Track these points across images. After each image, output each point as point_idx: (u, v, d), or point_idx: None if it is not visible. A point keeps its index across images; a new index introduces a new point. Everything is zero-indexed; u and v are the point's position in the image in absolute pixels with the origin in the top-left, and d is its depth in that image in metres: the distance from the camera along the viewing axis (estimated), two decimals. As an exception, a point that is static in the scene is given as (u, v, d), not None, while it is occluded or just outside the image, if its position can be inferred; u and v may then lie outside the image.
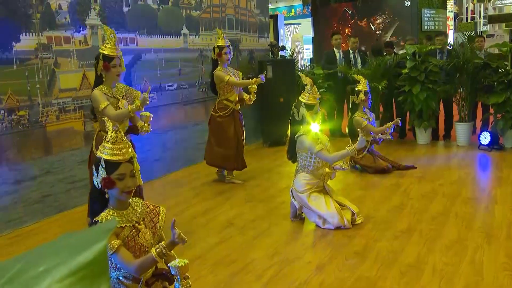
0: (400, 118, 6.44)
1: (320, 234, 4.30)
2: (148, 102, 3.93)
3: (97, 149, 4.13)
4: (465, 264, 3.55)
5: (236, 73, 5.99)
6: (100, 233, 0.50)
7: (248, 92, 5.83)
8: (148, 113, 4.05)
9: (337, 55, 9.03)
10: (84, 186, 5.32)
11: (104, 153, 2.46)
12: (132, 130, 4.14)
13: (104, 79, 4.04)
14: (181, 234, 2.41)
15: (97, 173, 2.47)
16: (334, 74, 8.83)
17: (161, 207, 2.72)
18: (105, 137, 2.53)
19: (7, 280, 0.48)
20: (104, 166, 2.44)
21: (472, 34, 9.51)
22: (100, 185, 2.47)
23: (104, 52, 3.97)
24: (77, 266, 0.46)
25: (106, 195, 2.51)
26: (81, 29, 5.52)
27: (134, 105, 3.88)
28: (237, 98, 5.94)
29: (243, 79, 6.11)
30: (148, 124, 4.04)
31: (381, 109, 8.69)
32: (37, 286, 0.45)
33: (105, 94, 4.00)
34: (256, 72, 8.58)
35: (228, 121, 5.94)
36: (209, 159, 6.15)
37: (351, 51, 9.00)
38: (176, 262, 2.29)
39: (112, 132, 2.48)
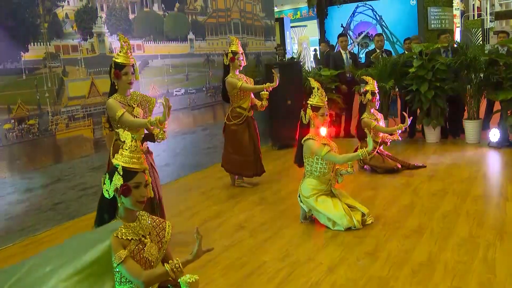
0: (410, 118, 6.39)
1: (330, 235, 4.29)
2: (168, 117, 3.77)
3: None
4: (477, 261, 3.53)
5: (248, 80, 5.92)
6: (104, 234, 0.51)
7: (260, 99, 5.78)
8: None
9: (344, 56, 9.00)
10: (94, 193, 5.36)
11: (122, 161, 2.48)
12: (149, 137, 4.10)
13: (116, 87, 4.00)
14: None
15: (110, 181, 2.47)
16: (343, 75, 8.81)
17: (167, 222, 2.71)
18: (122, 146, 2.54)
19: (15, 281, 0.49)
20: (121, 174, 2.45)
21: (479, 32, 9.49)
22: (113, 194, 2.47)
23: (117, 61, 3.94)
24: (82, 265, 0.47)
25: (119, 204, 2.50)
26: (88, 37, 5.57)
27: (154, 118, 3.75)
28: (250, 105, 5.90)
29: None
30: (164, 132, 3.90)
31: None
32: (44, 285, 0.46)
33: (119, 102, 3.94)
34: (264, 75, 8.59)
35: (243, 128, 5.89)
36: (226, 166, 6.10)
37: (377, 50, 8.94)
38: (187, 278, 2.30)
39: (132, 141, 2.51)
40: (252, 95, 5.94)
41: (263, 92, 5.69)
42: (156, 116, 3.82)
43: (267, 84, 5.67)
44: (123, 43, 3.98)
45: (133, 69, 3.99)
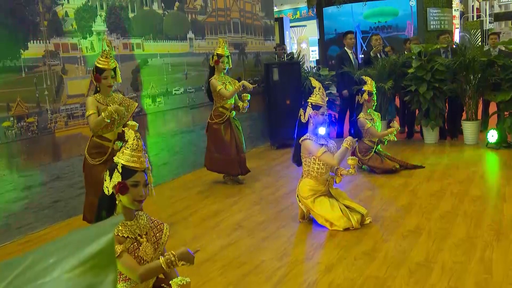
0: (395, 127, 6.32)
1: (328, 235, 4.31)
2: (115, 116, 4.01)
3: (88, 154, 4.22)
4: (474, 262, 3.54)
5: (232, 81, 6.04)
6: (107, 226, 0.52)
7: (243, 101, 5.90)
8: (134, 122, 4.15)
9: (351, 56, 8.59)
10: (93, 191, 5.36)
11: (123, 159, 2.48)
12: (122, 136, 4.24)
13: (98, 89, 4.24)
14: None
15: (111, 178, 2.48)
16: (349, 76, 8.34)
17: (165, 225, 2.72)
18: (124, 144, 2.55)
19: (18, 273, 0.50)
20: (120, 172, 2.46)
21: (478, 33, 9.49)
22: (112, 191, 2.48)
23: (98, 65, 4.16)
24: (86, 257, 0.48)
25: (117, 202, 2.51)
26: (88, 36, 5.57)
27: (107, 111, 3.99)
28: (232, 106, 6.02)
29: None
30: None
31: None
32: (48, 276, 0.47)
33: (97, 101, 4.17)
34: (263, 75, 8.61)
35: (224, 127, 6.03)
36: (209, 165, 6.24)
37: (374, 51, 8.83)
38: (178, 281, 2.29)
39: (134, 139, 2.52)
40: (237, 96, 6.05)
41: (244, 94, 5.82)
42: (108, 108, 4.01)
43: (240, 83, 5.81)
44: (106, 47, 4.18)
45: (114, 73, 4.22)
